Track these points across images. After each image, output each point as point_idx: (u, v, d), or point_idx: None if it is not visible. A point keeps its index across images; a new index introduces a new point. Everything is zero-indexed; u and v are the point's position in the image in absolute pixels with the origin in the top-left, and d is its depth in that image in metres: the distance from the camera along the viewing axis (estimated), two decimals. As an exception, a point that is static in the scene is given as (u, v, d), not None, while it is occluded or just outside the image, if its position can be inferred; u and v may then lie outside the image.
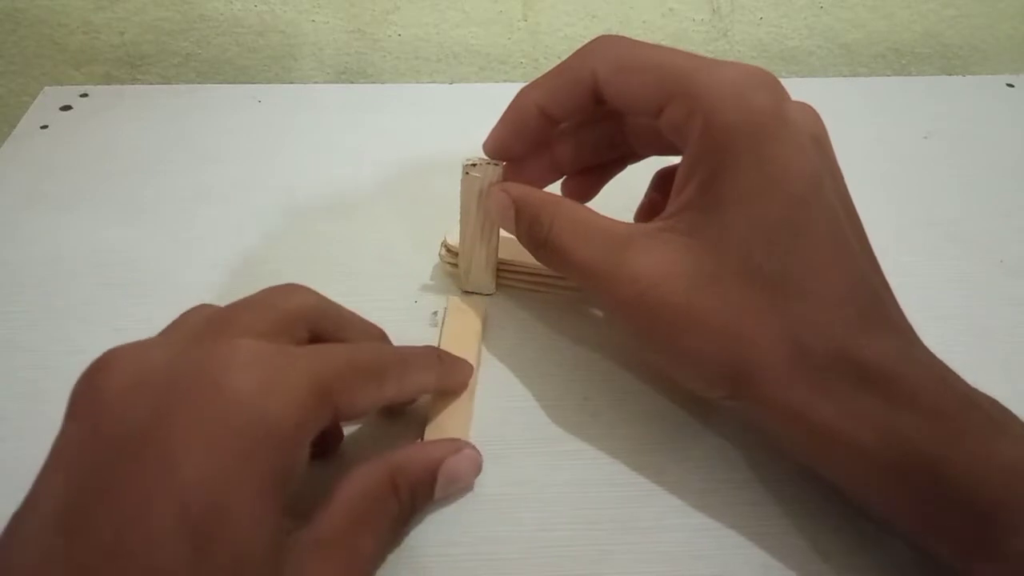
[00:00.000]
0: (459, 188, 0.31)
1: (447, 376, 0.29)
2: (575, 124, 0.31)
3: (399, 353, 0.27)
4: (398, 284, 0.36)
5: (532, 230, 0.28)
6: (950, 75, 0.54)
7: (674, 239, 0.25)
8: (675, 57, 0.26)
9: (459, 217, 0.32)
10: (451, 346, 0.32)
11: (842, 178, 0.26)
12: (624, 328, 0.27)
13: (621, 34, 0.28)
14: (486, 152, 0.31)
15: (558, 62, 0.29)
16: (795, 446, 0.26)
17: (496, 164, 0.30)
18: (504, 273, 0.35)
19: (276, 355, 0.22)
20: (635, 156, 0.32)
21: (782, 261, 0.24)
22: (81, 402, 0.21)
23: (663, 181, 0.32)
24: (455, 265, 0.34)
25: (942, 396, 0.23)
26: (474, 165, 0.30)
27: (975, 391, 0.24)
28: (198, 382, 0.20)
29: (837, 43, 0.53)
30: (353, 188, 0.41)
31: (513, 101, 0.30)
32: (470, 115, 0.47)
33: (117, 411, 0.20)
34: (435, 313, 0.34)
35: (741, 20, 0.51)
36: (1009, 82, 0.50)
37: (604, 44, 0.28)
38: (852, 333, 0.24)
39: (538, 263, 0.34)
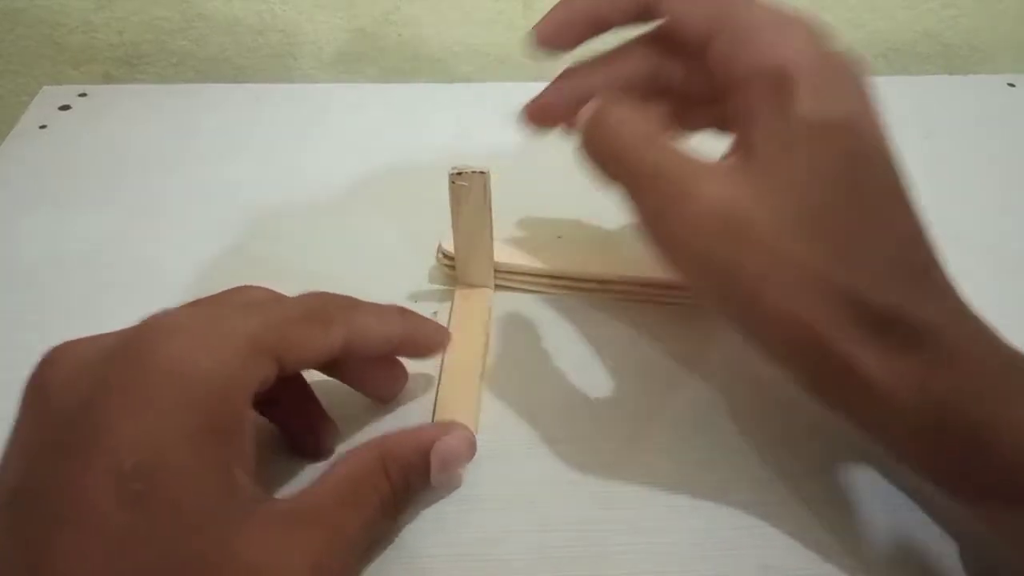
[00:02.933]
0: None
1: (415, 329, 0.28)
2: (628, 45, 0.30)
3: (348, 298, 0.27)
4: (398, 284, 0.36)
5: (601, 118, 0.26)
6: (950, 75, 0.54)
7: (751, 178, 0.23)
8: None
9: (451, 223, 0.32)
10: (459, 335, 0.32)
11: (891, 138, 0.25)
12: (692, 262, 0.24)
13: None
14: (536, 34, 0.29)
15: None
16: (834, 399, 0.25)
17: (482, 172, 0.30)
18: (502, 275, 0.35)
19: (205, 316, 0.23)
20: (683, 103, 0.30)
21: (846, 212, 0.23)
22: (30, 392, 0.22)
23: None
24: (452, 268, 0.34)
25: (987, 359, 0.23)
26: (460, 174, 0.30)
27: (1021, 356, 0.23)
28: (130, 352, 0.21)
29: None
30: (353, 188, 0.41)
31: None
32: (470, 115, 0.47)
33: (61, 394, 0.21)
34: (435, 313, 0.34)
35: (741, 20, 0.51)
36: (1010, 82, 0.50)
37: None
38: (906, 291, 0.23)
39: (534, 265, 0.34)
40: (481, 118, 0.46)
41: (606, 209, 0.40)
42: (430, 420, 0.30)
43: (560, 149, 0.44)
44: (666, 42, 0.29)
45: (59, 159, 0.43)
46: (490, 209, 0.31)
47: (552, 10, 0.29)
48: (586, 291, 0.35)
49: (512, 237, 0.35)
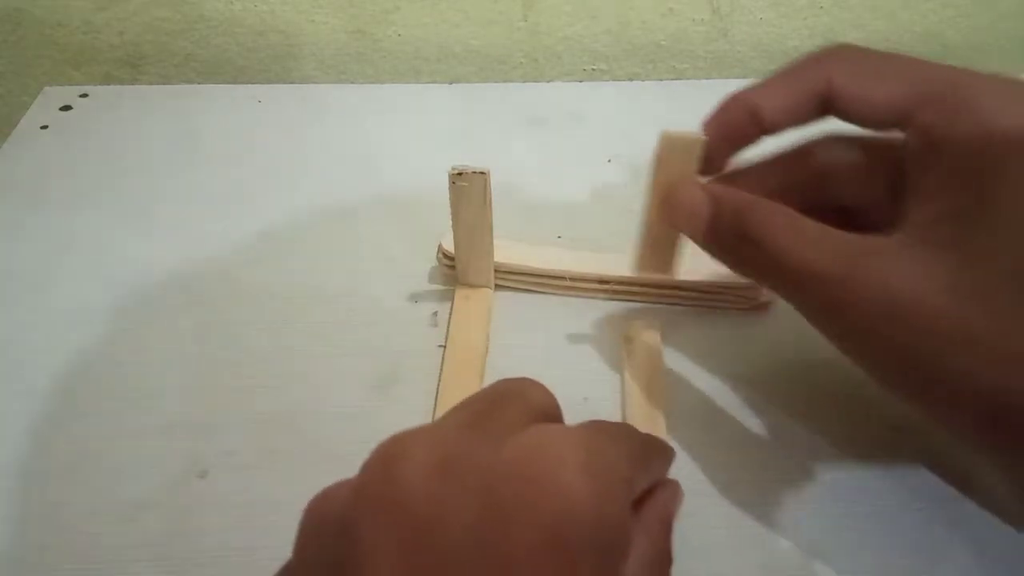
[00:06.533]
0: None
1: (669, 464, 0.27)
2: (769, 163, 0.29)
3: (645, 439, 0.24)
4: (398, 284, 0.36)
5: (738, 224, 0.26)
6: (950, 75, 0.54)
7: (931, 251, 0.23)
8: (926, 64, 0.25)
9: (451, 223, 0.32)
10: (459, 335, 0.32)
11: None
12: (862, 348, 0.24)
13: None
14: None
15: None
16: None
17: (482, 172, 0.30)
18: (502, 275, 0.35)
19: (598, 447, 0.19)
20: (822, 191, 0.29)
21: None
22: (379, 493, 0.17)
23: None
24: (452, 268, 0.34)
25: None
26: (460, 174, 0.30)
27: None
28: (529, 479, 0.17)
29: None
30: (353, 188, 0.41)
31: (723, 103, 0.27)
32: (470, 115, 0.47)
33: (429, 501, 0.17)
34: (435, 313, 0.34)
35: (741, 20, 0.51)
36: (1009, 82, 0.50)
37: (841, 50, 0.27)
38: None
39: (534, 265, 0.34)
40: (481, 118, 0.46)
41: (606, 209, 0.40)
42: (431, 420, 0.30)
43: (560, 149, 0.44)
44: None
45: (60, 159, 0.43)
46: (490, 209, 0.31)
47: (706, 122, 0.28)
48: (586, 291, 0.35)
49: (512, 237, 0.35)
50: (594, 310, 0.35)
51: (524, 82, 0.52)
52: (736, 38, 0.52)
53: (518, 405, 0.21)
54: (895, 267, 0.23)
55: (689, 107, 0.31)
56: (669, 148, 0.27)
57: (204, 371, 0.32)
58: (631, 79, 0.53)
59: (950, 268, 0.22)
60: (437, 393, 0.31)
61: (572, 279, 0.35)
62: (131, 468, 0.29)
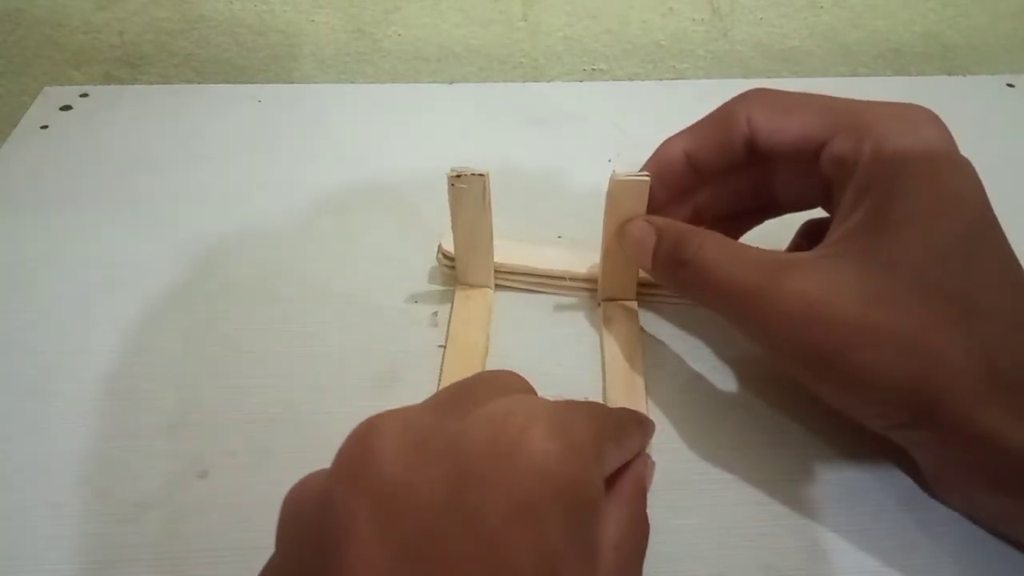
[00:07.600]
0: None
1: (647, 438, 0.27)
2: (720, 172, 0.31)
3: (621, 413, 0.26)
4: (398, 284, 0.36)
5: (676, 250, 0.28)
6: (950, 75, 0.54)
7: (841, 262, 0.25)
8: (835, 98, 0.28)
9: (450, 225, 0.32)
10: (459, 335, 0.32)
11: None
12: (783, 349, 0.26)
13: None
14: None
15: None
16: (982, 476, 0.25)
17: (481, 174, 0.30)
18: (502, 275, 0.35)
19: (563, 414, 0.20)
20: (775, 209, 0.32)
21: (960, 280, 0.24)
22: (352, 458, 0.18)
23: (813, 228, 0.33)
24: (452, 268, 0.34)
25: None
26: (459, 176, 0.30)
27: None
28: (494, 442, 0.18)
29: (837, 43, 0.53)
30: (353, 188, 0.41)
31: (658, 149, 0.31)
32: (470, 115, 0.47)
33: (402, 471, 0.18)
34: (435, 313, 0.34)
35: (741, 20, 0.51)
36: (1009, 82, 0.50)
37: (757, 93, 0.30)
38: None
39: (534, 265, 0.34)
40: (481, 118, 0.46)
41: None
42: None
43: (560, 149, 0.44)
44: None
45: (60, 159, 0.43)
46: (490, 210, 0.31)
47: (643, 167, 0.31)
48: (586, 291, 0.35)
49: (512, 237, 0.35)
50: (594, 310, 0.35)
51: (524, 82, 0.52)
52: (736, 38, 0.52)
53: (488, 387, 0.22)
54: (811, 277, 0.25)
55: (689, 107, 0.31)
56: (619, 189, 0.30)
57: (204, 371, 0.32)
58: (631, 79, 0.53)
59: (859, 277, 0.24)
60: (437, 393, 0.31)
61: (572, 279, 0.35)
62: (131, 468, 0.29)
